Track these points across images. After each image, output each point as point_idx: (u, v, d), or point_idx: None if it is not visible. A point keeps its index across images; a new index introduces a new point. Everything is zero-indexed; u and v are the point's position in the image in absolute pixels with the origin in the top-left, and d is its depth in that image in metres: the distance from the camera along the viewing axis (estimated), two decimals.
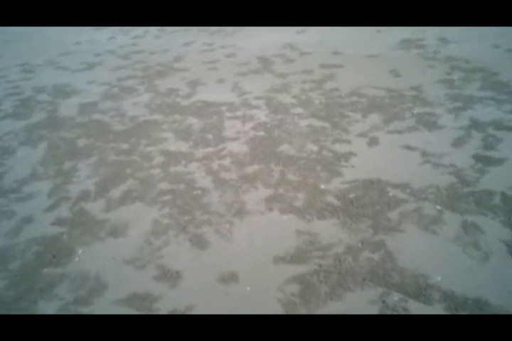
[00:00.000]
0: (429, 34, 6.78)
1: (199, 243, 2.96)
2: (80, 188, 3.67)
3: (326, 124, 4.27)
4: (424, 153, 3.65)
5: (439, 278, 2.51)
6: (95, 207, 3.43)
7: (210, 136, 4.28)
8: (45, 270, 2.88)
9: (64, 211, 3.41)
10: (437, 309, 2.34)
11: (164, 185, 3.60)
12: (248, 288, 2.57)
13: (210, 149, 4.06)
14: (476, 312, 2.28)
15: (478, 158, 3.53)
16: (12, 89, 6.05)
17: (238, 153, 3.94)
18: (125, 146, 4.27)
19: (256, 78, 5.68)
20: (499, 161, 3.47)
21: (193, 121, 4.63)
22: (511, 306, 2.30)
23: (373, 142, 3.90)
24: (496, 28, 6.69)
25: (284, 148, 3.93)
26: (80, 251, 3.00)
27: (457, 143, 3.77)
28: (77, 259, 2.94)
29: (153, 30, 8.73)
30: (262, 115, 4.61)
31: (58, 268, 2.88)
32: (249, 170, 3.67)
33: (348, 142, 3.93)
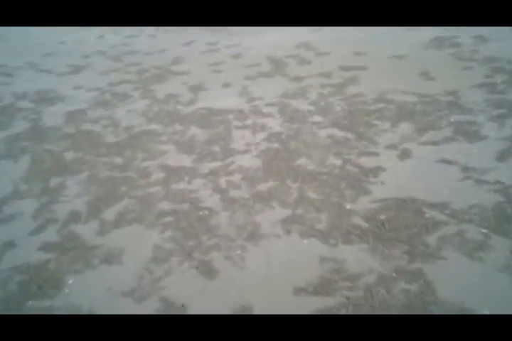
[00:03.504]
0: (465, 31, 6.86)
1: (207, 271, 2.97)
2: (69, 208, 3.71)
3: (350, 135, 4.32)
4: (464, 168, 3.67)
5: (486, 313, 2.51)
6: (87, 231, 3.46)
7: (216, 149, 4.33)
8: (30, 303, 2.89)
9: (51, 235, 3.44)
10: None
11: (165, 205, 3.63)
12: None
13: (216, 163, 4.10)
14: None
15: None
16: None
17: (249, 167, 3.98)
18: (119, 161, 4.33)
19: (267, 82, 5.77)
20: None
21: (196, 132, 4.70)
22: None
23: (405, 155, 3.93)
24: None
25: (302, 162, 3.97)
26: (69, 281, 3.02)
27: (503, 155, 3.79)
28: (66, 291, 2.96)
29: (148, 28, 8.90)
30: (275, 124, 4.67)
31: (45, 301, 2.89)
32: (263, 187, 3.70)
33: (376, 155, 3.97)
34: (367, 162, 3.88)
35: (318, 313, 2.59)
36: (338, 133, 4.35)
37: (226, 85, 5.78)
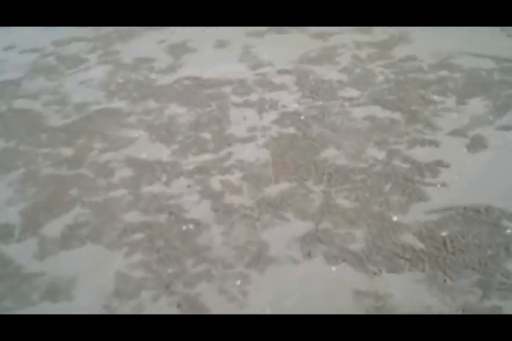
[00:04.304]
0: None
1: (193, 311, 2.97)
2: None
3: (398, 115, 4.31)
4: None
5: None
6: (21, 252, 3.46)
7: (206, 136, 4.34)
8: None
9: None
10: None
11: (133, 216, 3.64)
12: None
13: (207, 157, 4.11)
14: None
15: None
16: None
17: (254, 162, 3.98)
18: (68, 152, 4.34)
19: (279, 40, 5.77)
20: None
21: (178, 111, 4.70)
22: None
23: (477, 144, 3.92)
24: None
25: (330, 154, 3.97)
26: None
27: None
28: None
29: None
30: (290, 100, 4.67)
31: None
32: (273, 190, 3.70)
33: (436, 144, 3.95)
34: (422, 154, 3.87)
35: None
36: (381, 114, 4.34)
37: (221, 44, 5.78)
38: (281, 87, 4.86)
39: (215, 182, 3.84)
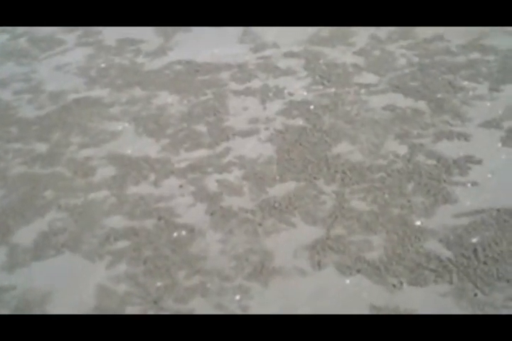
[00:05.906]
0: None
1: None
2: None
3: (422, 104, 4.30)
4: None
5: None
6: None
7: (201, 128, 4.34)
8: None
9: None
10: None
11: (117, 221, 3.64)
12: None
13: (202, 152, 4.11)
14: None
15: None
16: None
17: (255, 159, 3.98)
18: (42, 148, 4.34)
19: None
20: None
21: (169, 101, 4.71)
22: None
23: None
24: None
25: (343, 149, 3.97)
26: None
27: None
28: None
29: None
30: (298, 87, 4.67)
31: None
32: (278, 191, 3.70)
33: (466, 138, 3.95)
34: (450, 149, 3.86)
35: None
36: (403, 102, 4.34)
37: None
38: (288, 72, 4.87)
39: (211, 182, 3.86)
